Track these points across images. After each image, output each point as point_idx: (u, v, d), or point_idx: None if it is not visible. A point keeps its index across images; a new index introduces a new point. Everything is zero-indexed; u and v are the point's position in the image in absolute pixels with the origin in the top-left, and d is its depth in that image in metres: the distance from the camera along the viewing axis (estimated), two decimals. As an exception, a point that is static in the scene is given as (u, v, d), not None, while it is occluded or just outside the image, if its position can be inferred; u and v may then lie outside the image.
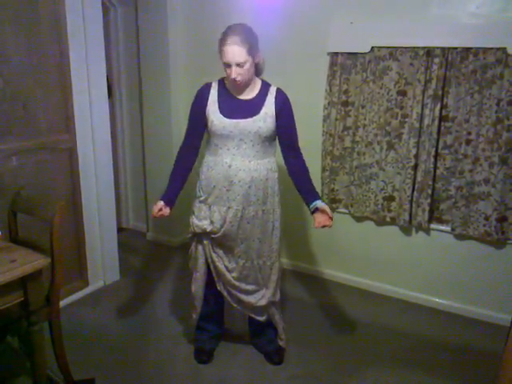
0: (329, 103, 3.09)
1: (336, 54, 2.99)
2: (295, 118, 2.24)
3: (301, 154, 2.30)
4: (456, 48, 2.66)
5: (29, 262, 1.85)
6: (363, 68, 2.94)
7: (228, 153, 2.16)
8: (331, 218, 2.17)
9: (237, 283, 2.31)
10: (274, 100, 2.16)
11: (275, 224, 2.29)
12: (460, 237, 2.91)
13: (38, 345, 1.99)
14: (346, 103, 3.06)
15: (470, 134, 2.73)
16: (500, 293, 2.85)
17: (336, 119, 3.10)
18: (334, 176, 3.21)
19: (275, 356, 2.49)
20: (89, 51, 2.83)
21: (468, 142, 2.75)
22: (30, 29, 2.52)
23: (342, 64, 3.00)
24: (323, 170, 3.22)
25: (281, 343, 2.51)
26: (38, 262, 1.87)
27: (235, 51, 2.00)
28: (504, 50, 2.52)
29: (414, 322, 2.91)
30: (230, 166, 2.16)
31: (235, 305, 2.38)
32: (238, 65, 2.02)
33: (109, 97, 3.15)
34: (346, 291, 3.27)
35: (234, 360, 2.51)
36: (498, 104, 2.61)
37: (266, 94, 2.17)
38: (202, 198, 2.26)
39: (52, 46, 2.64)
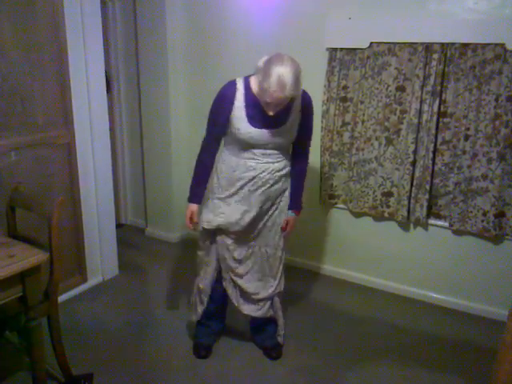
0: (327, 99, 3.08)
1: (334, 49, 2.99)
2: None
3: (308, 157, 2.35)
4: (454, 44, 2.65)
5: (27, 258, 1.85)
6: (362, 64, 2.94)
7: (252, 156, 2.17)
8: (291, 226, 2.35)
9: (243, 271, 2.32)
10: (300, 102, 2.17)
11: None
12: (458, 232, 2.91)
13: (37, 340, 1.99)
14: (344, 99, 3.06)
15: (468, 129, 2.73)
16: (497, 288, 2.86)
17: (335, 115, 3.10)
18: (332, 172, 3.22)
19: (273, 351, 2.50)
20: (87, 46, 2.82)
21: (466, 138, 2.75)
22: (28, 24, 2.51)
23: (341, 60, 2.99)
24: (322, 165, 3.22)
25: (279, 339, 2.52)
26: (36, 257, 1.88)
27: (280, 100, 1.98)
28: (503, 45, 2.52)
29: (412, 317, 2.92)
30: (254, 169, 2.17)
31: (236, 304, 2.39)
32: (278, 105, 2.03)
33: (107, 92, 3.14)
34: (344, 286, 3.28)
35: (233, 355, 2.52)
36: (496, 100, 2.61)
37: (294, 99, 2.13)
38: (221, 196, 2.25)
39: (50, 41, 2.63)
